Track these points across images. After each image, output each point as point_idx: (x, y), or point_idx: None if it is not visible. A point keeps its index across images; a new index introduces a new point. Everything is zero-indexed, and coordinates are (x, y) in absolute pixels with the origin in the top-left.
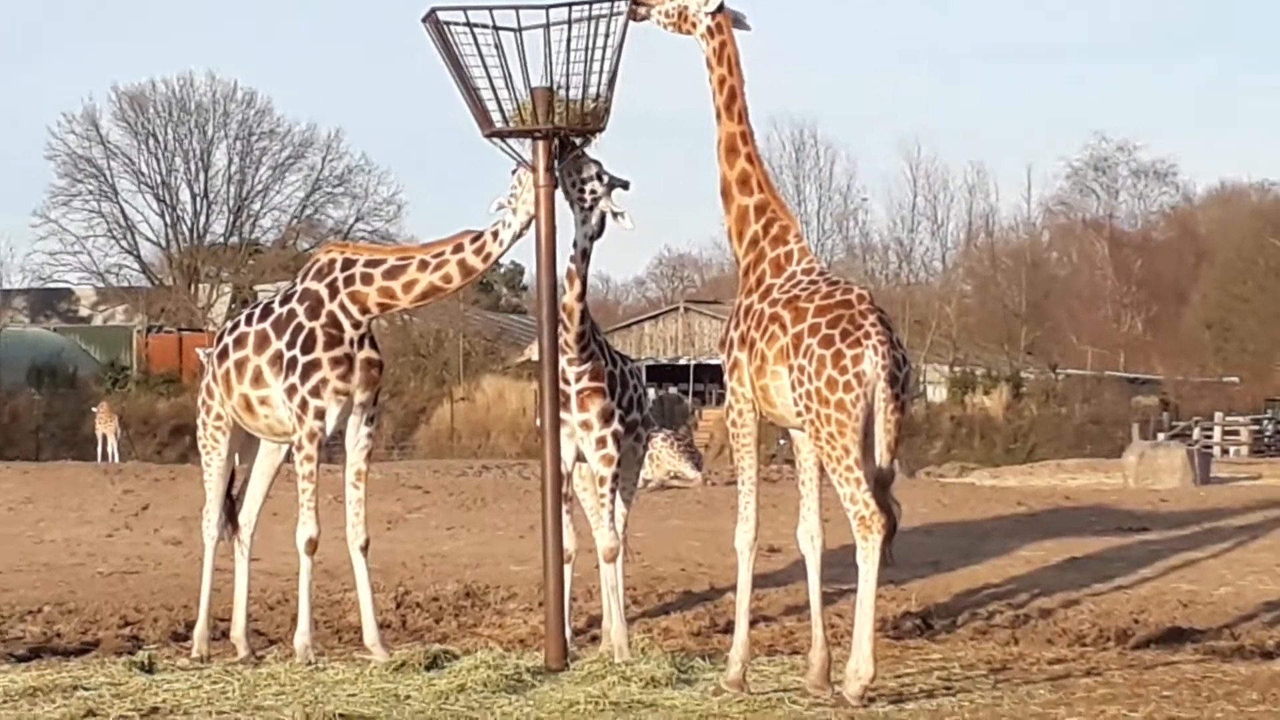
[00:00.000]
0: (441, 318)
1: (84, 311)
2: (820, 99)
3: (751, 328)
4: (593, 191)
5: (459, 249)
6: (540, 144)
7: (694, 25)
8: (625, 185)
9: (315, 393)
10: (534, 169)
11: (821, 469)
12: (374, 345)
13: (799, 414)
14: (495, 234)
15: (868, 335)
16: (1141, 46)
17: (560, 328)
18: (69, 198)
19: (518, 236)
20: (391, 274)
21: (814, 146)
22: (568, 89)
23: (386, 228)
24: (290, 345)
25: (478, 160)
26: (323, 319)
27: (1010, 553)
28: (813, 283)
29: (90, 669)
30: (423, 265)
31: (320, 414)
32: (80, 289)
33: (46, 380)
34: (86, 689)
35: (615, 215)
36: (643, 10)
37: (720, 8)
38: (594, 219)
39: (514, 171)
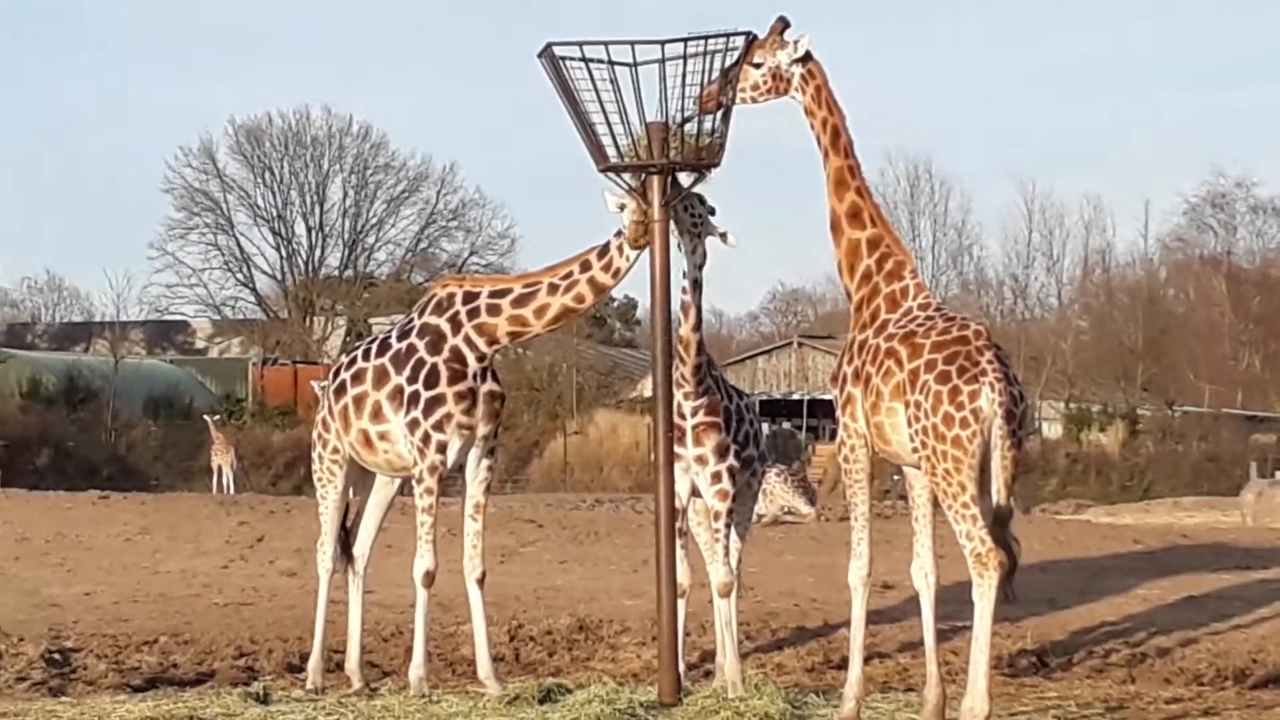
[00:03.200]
0: (555, 351)
1: (200, 344)
2: (935, 134)
3: (866, 363)
4: (700, 218)
5: (587, 267)
6: (655, 179)
7: (788, 82)
8: (713, 211)
9: (439, 427)
10: (648, 204)
11: (936, 505)
12: (495, 378)
13: (914, 450)
14: (620, 248)
15: (985, 372)
16: (1259, 81)
17: (677, 360)
18: (186, 231)
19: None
20: (521, 301)
21: (928, 181)
22: (682, 124)
23: (500, 262)
24: (412, 380)
25: (592, 195)
26: (445, 353)
27: (1127, 591)
28: (929, 318)
29: (206, 699)
30: (553, 289)
31: (442, 448)
32: (196, 321)
33: (163, 412)
34: (202, 719)
35: (723, 236)
36: (730, 96)
37: (809, 55)
38: (703, 247)
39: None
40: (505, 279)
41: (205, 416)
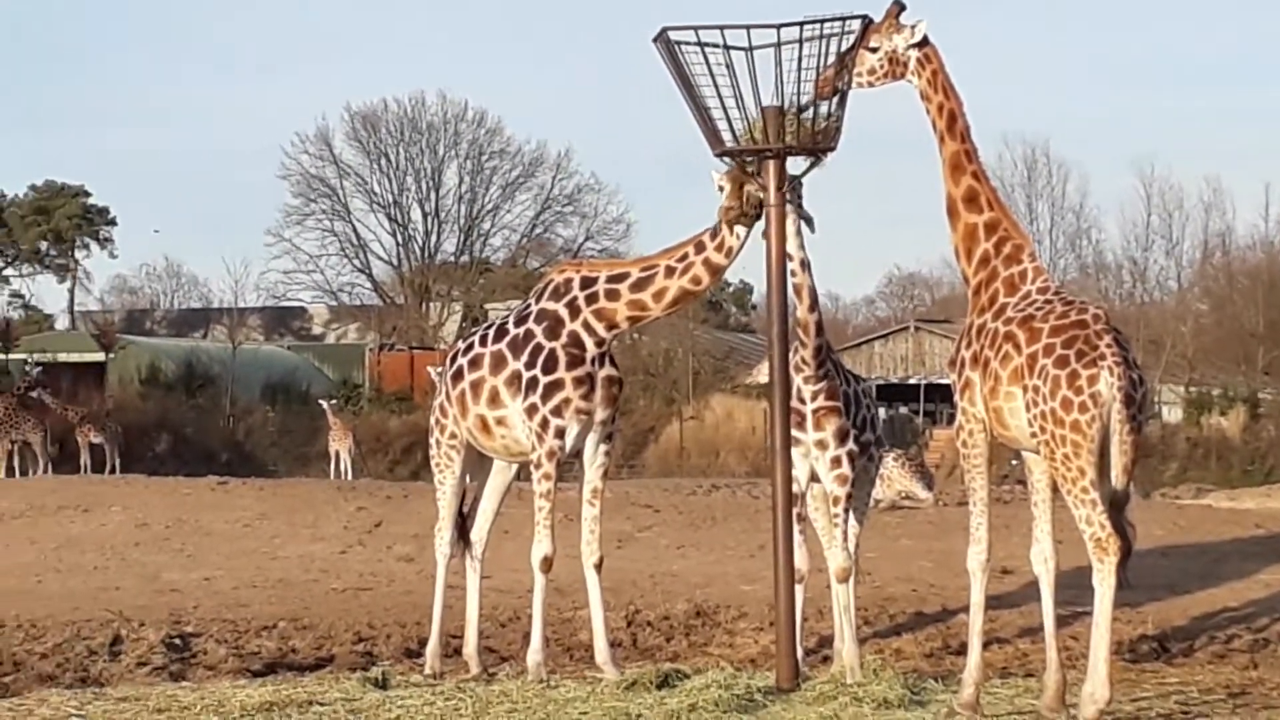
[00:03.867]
0: (670, 336)
1: (317, 330)
2: (1052, 117)
3: (984, 347)
4: (799, 200)
5: (701, 248)
6: (771, 163)
7: (904, 66)
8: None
9: (557, 412)
10: (764, 188)
11: (1055, 490)
12: (613, 363)
13: (1033, 435)
14: (731, 226)
15: (1104, 356)
16: None
17: (796, 344)
18: (303, 217)
19: (751, 228)
20: (639, 286)
21: (1046, 165)
22: (798, 108)
23: (616, 247)
24: (530, 365)
25: (708, 180)
26: (564, 338)
27: (1248, 576)
28: (1048, 302)
29: (325, 684)
30: (670, 271)
31: (561, 433)
32: (313, 307)
33: (280, 397)
34: (322, 704)
35: (810, 221)
36: (846, 80)
37: (925, 40)
38: (804, 228)
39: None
40: (621, 263)
41: (321, 402)
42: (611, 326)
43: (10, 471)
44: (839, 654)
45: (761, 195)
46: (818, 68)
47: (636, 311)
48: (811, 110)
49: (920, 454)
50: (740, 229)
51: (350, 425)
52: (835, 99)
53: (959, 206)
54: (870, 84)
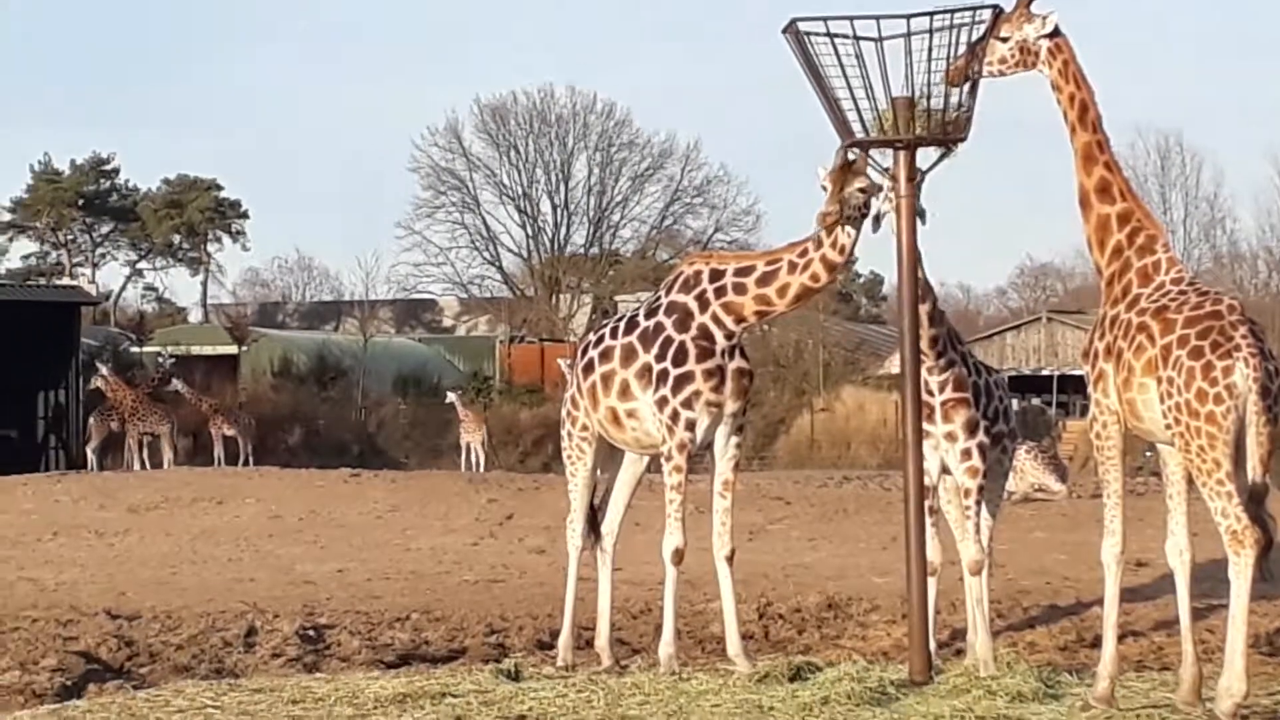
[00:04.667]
0: (800, 328)
1: (447, 322)
2: (1186, 106)
3: (1118, 338)
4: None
5: (819, 244)
6: (901, 154)
7: (1035, 55)
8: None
9: (687, 404)
10: (894, 179)
11: (1190, 482)
12: (744, 355)
13: (1167, 426)
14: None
15: (1239, 347)
16: None
17: None
18: (433, 210)
19: (860, 225)
20: (765, 280)
21: (1179, 154)
22: (929, 98)
23: (745, 238)
24: (660, 358)
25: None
26: (693, 331)
27: None
28: (1182, 293)
29: (458, 676)
30: (792, 267)
31: (691, 425)
32: (444, 300)
33: (411, 390)
34: (455, 696)
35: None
36: (977, 70)
37: (1056, 30)
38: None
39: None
40: (750, 256)
41: (449, 395)
42: (740, 320)
43: (142, 464)
44: (972, 647)
45: (863, 196)
46: (948, 58)
47: (762, 306)
48: (942, 100)
49: (1053, 446)
50: (851, 229)
51: (483, 417)
52: (966, 88)
53: (1091, 197)
54: (1001, 73)
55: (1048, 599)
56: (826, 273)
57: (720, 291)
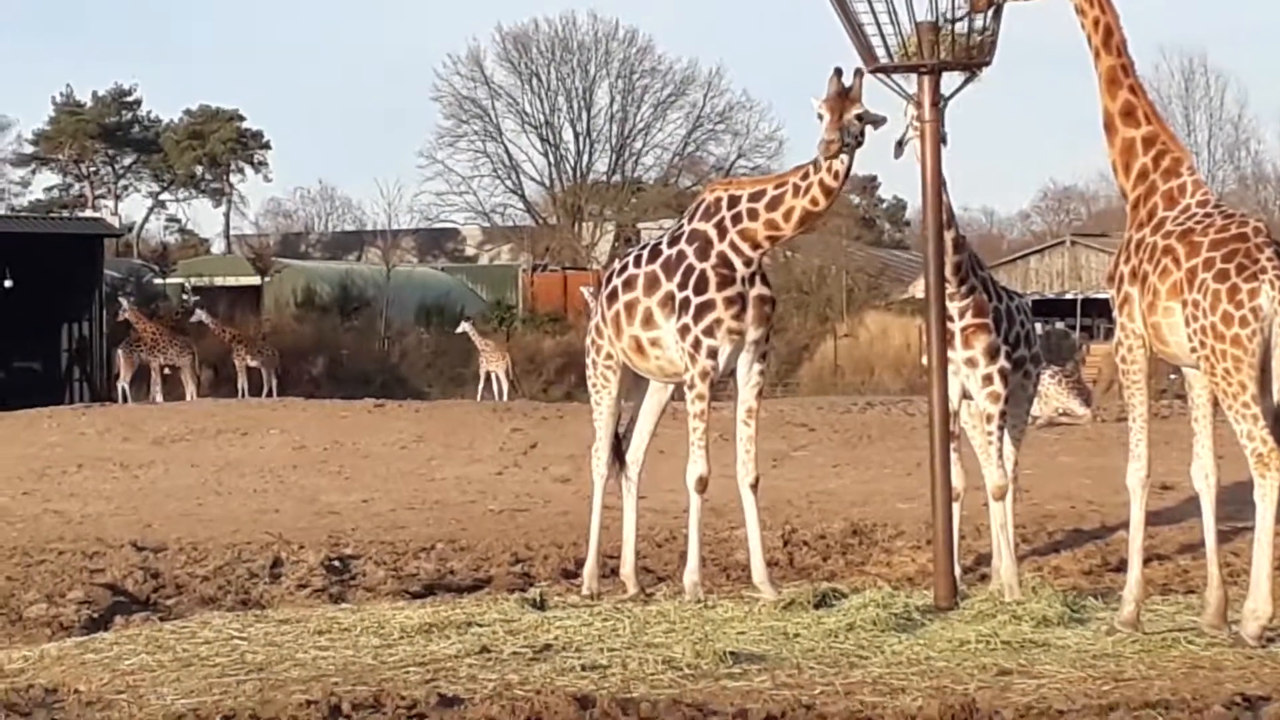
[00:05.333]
0: (824, 254)
1: (470, 251)
2: (1210, 26)
3: (1143, 262)
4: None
5: (817, 168)
6: (926, 79)
7: None
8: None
9: (709, 332)
10: (918, 104)
11: (1215, 405)
12: (765, 282)
13: (1193, 350)
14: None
15: (1264, 270)
16: None
17: None
18: (455, 139)
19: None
20: (773, 205)
21: (1204, 75)
22: (953, 22)
23: (768, 164)
24: (682, 286)
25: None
26: (713, 259)
27: None
28: (1207, 215)
29: (483, 605)
30: (796, 190)
31: (713, 353)
32: (466, 229)
33: (435, 319)
34: (480, 625)
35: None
36: None
37: None
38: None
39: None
40: (763, 180)
41: (463, 326)
42: (756, 246)
43: (166, 395)
44: (997, 572)
45: (860, 124)
46: None
47: (771, 231)
48: (966, 25)
49: (1077, 370)
50: (844, 155)
51: (505, 346)
52: (990, 13)
53: (1116, 121)
54: None
55: (1072, 523)
56: (824, 197)
57: (736, 219)
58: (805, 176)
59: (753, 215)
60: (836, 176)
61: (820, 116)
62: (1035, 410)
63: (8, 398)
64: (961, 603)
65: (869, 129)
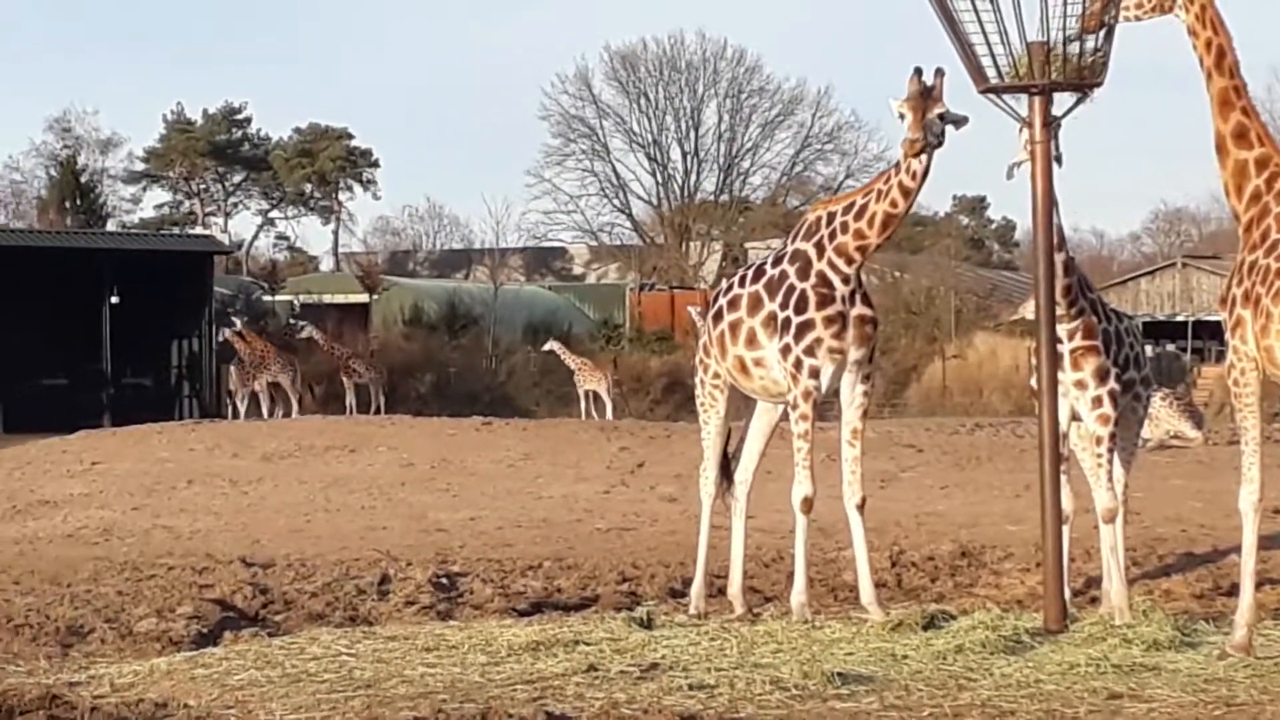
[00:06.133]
0: (933, 275)
1: (577, 270)
2: None
3: (1256, 284)
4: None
5: (897, 170)
6: (1037, 100)
7: (1172, 0)
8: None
9: (810, 352)
10: (1029, 125)
11: None
12: (867, 301)
13: None
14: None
15: None
16: None
17: None
18: (563, 157)
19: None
20: (859, 214)
21: None
22: (1064, 43)
23: None
24: (783, 306)
25: (972, 116)
26: (813, 279)
27: None
28: None
29: (590, 624)
30: (879, 195)
31: (815, 373)
32: (574, 247)
33: (542, 338)
34: (587, 644)
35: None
36: (1113, 14)
37: None
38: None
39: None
40: (854, 193)
41: (550, 343)
42: (849, 260)
43: (271, 412)
44: (1107, 595)
45: (942, 123)
46: (1084, 2)
47: (860, 241)
48: (1078, 45)
49: (1188, 392)
50: (924, 155)
51: (603, 364)
52: (1102, 33)
53: (1228, 143)
54: (1137, 18)
55: (1184, 547)
56: (903, 198)
57: (832, 235)
58: (886, 180)
59: (844, 229)
60: (915, 176)
61: (901, 116)
62: (1146, 433)
63: (118, 413)
64: (1071, 626)
65: (949, 128)
